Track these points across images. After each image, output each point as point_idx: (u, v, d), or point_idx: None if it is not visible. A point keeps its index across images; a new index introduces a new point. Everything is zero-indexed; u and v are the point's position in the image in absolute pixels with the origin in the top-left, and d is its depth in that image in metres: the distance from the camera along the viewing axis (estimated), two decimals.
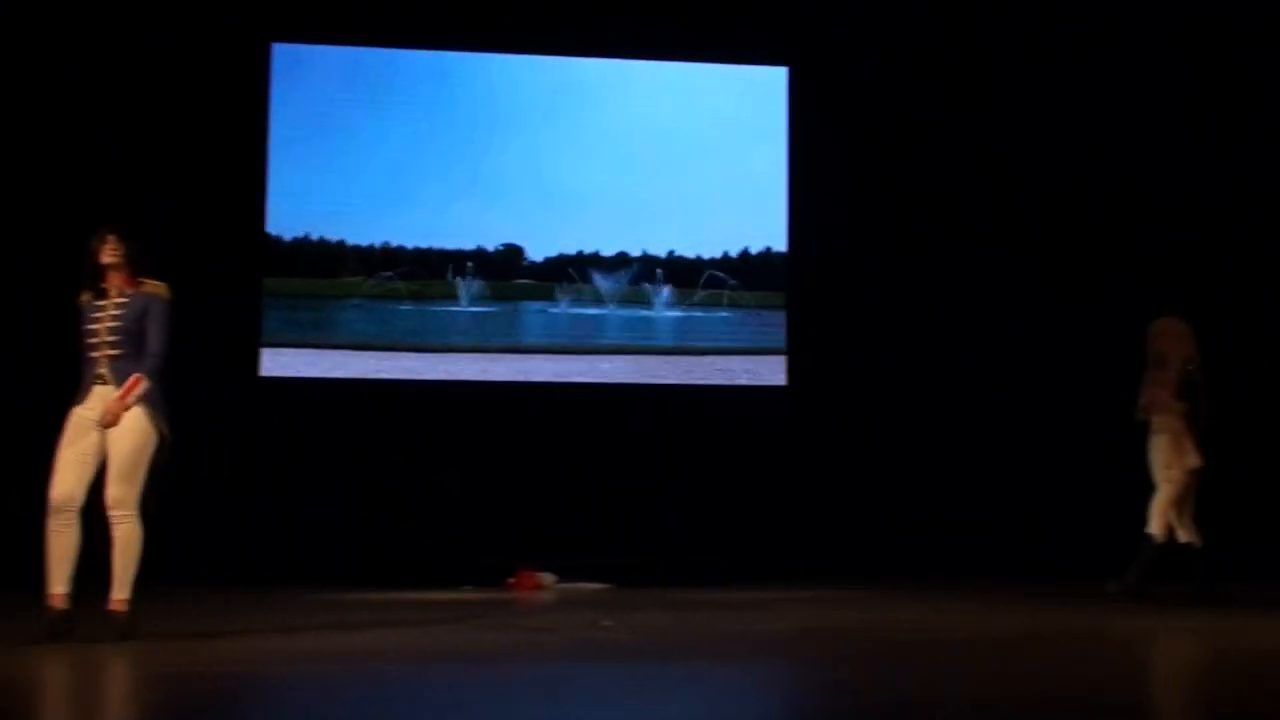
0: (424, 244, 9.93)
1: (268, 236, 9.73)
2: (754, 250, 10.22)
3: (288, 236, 9.77)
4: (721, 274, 10.17)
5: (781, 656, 5.78)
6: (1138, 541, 7.70)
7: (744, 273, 10.19)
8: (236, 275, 9.60)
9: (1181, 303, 8.26)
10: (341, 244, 9.84)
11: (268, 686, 4.83)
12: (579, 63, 10.22)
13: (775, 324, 10.20)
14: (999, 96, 10.35)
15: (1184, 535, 7.67)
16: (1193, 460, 7.63)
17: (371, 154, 9.94)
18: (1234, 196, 10.24)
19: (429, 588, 8.67)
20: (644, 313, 10.14)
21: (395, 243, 9.90)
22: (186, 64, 9.59)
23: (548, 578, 9.06)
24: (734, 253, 10.21)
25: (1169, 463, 7.63)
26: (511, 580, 9.00)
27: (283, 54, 9.85)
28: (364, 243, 9.87)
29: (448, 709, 4.36)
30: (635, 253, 10.13)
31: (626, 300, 10.12)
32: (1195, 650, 6.00)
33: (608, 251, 10.11)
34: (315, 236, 9.82)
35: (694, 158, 10.20)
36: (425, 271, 9.93)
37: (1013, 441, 9.94)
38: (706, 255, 10.17)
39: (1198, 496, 7.74)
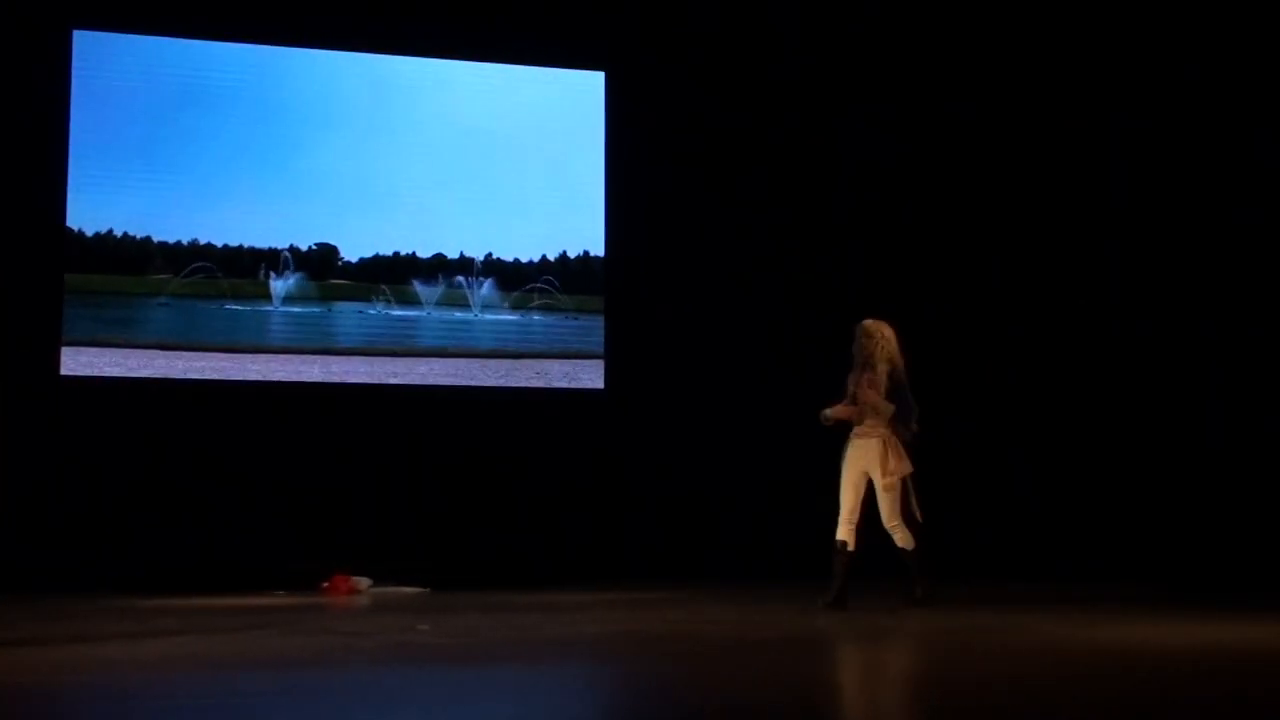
0: (235, 242, 9.69)
1: (69, 231, 9.37)
2: (572, 254, 10.25)
3: (90, 232, 9.42)
4: (540, 278, 10.17)
5: (599, 659, 5.81)
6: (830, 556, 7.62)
7: (562, 276, 10.22)
8: (36, 271, 9.23)
9: (889, 305, 8.50)
10: (148, 240, 9.54)
11: (61, 698, 4.66)
12: (397, 61, 10.10)
13: (593, 328, 10.24)
14: (812, 104, 10.58)
15: (899, 539, 7.52)
16: (906, 465, 7.50)
17: (180, 148, 9.66)
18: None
19: (239, 593, 8.46)
20: (462, 315, 10.08)
21: (205, 240, 9.64)
22: None
23: (362, 582, 8.94)
24: (552, 256, 10.22)
25: (892, 469, 7.46)
26: (325, 585, 8.85)
27: (85, 41, 9.50)
28: (172, 239, 9.58)
29: (256, 717, 4.27)
30: (453, 255, 10.06)
31: (444, 303, 10.04)
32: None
33: (425, 253, 10.02)
34: (120, 232, 9.49)
35: (513, 160, 10.17)
36: (237, 270, 9.69)
37: (828, 444, 10.12)
38: (525, 259, 10.16)
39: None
